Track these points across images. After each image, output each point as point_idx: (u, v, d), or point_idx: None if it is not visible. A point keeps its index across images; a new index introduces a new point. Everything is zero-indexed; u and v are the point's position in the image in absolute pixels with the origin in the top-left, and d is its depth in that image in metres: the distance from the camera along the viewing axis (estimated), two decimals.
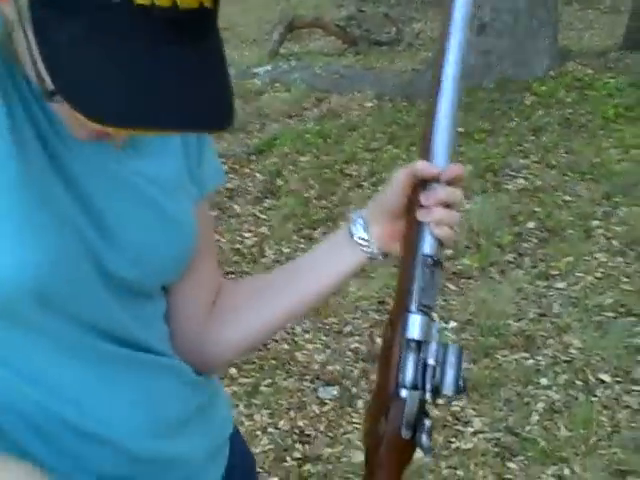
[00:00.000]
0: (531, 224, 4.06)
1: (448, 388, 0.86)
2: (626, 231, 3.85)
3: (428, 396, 0.87)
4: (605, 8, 10.70)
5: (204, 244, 0.98)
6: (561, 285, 3.52)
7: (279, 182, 5.02)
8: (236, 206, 4.86)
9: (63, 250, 0.77)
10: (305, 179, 4.92)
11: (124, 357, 0.86)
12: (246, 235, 4.25)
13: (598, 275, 3.55)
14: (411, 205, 0.91)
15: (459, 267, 3.77)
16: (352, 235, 0.96)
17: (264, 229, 4.32)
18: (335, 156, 5.12)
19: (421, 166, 0.89)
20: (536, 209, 4.20)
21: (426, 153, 0.89)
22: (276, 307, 1.00)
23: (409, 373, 0.87)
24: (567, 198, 4.28)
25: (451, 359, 0.86)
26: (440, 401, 2.92)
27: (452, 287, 3.62)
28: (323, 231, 4.15)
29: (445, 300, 3.52)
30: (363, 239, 0.95)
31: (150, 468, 0.91)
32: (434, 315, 0.91)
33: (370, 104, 6.09)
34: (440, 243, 0.90)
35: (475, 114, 5.59)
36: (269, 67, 7.47)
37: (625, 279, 3.50)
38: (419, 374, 0.86)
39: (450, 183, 0.88)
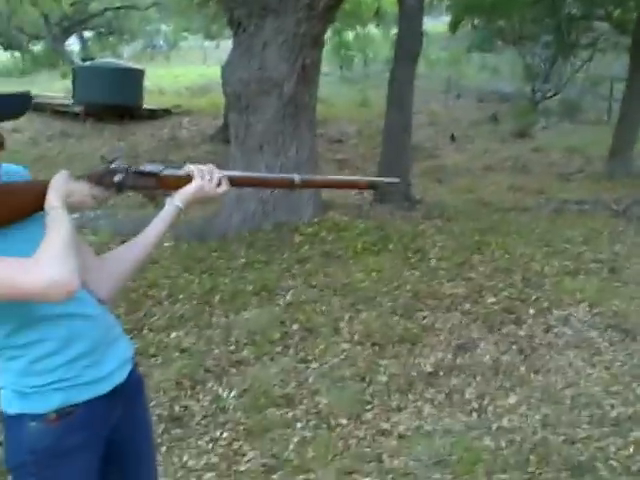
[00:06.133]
0: (295, 326, 5.26)
1: None
2: (364, 328, 5.15)
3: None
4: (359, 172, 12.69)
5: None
6: (314, 365, 4.69)
7: None
8: None
9: None
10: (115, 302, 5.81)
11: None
12: None
13: (342, 357, 4.77)
14: None
15: (238, 358, 4.84)
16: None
17: None
18: (139, 282, 6.10)
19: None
20: (300, 316, 5.42)
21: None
22: (130, 254, 2.04)
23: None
24: (323, 308, 5.54)
25: None
26: None
27: (234, 371, 4.68)
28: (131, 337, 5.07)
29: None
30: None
31: None
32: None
33: (168, 243, 7.15)
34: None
35: (255, 249, 6.86)
36: (76, 215, 8.35)
37: (362, 365, 4.71)
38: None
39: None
